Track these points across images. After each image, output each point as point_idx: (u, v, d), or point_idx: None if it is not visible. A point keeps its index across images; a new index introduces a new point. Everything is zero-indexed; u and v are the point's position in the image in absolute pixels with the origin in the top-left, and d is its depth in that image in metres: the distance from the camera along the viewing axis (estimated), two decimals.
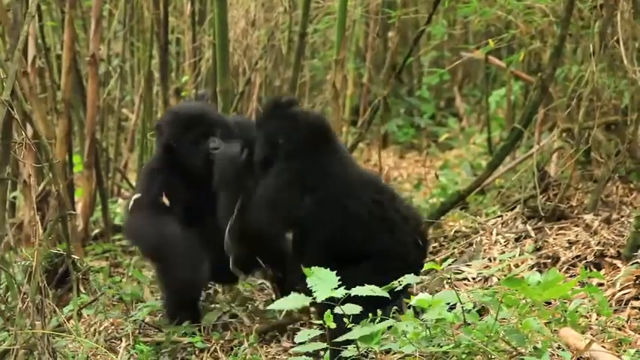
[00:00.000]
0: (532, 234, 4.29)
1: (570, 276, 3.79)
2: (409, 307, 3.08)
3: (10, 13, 4.09)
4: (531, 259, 3.99)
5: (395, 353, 3.05)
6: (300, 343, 2.92)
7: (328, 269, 2.99)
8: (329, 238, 3.43)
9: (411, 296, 3.01)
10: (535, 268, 3.88)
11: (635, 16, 4.32)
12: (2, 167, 3.61)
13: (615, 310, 3.42)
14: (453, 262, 4.11)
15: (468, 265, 4.10)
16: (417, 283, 3.91)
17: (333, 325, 2.86)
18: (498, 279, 3.79)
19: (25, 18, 3.68)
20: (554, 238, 4.17)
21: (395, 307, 3.11)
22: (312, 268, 2.94)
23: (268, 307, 3.19)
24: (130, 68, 7.13)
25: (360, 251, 3.42)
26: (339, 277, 2.92)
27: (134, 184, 6.07)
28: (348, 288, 2.93)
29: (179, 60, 6.75)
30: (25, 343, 3.22)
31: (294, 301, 2.90)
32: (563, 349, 2.98)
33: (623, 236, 4.04)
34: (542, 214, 4.34)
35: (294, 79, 5.21)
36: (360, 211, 3.44)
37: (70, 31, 4.93)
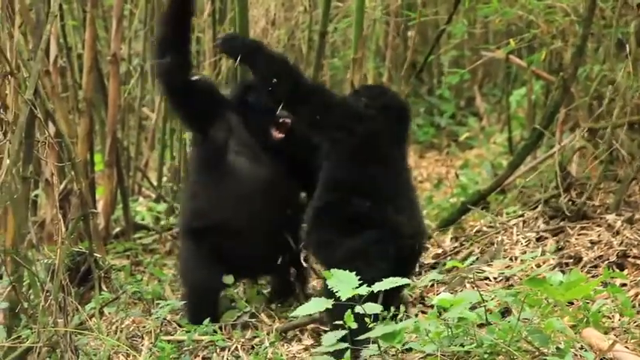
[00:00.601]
0: (554, 234, 4.27)
1: (593, 276, 3.77)
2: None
3: (33, 13, 4.10)
4: (553, 259, 3.98)
5: (417, 352, 3.05)
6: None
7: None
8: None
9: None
10: (557, 269, 3.86)
11: None
12: (25, 166, 3.64)
13: (638, 311, 3.40)
14: (474, 261, 4.10)
15: (489, 264, 4.09)
16: (438, 282, 3.92)
17: (354, 326, 2.86)
18: (520, 279, 3.77)
19: (47, 17, 3.70)
20: (576, 238, 4.15)
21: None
22: (332, 270, 2.96)
23: (291, 315, 3.20)
24: (151, 67, 7.15)
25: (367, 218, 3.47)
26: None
27: (155, 182, 6.10)
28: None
29: (199, 59, 6.76)
30: (48, 341, 3.25)
31: (316, 305, 2.90)
32: (586, 350, 2.97)
33: None
34: (567, 214, 4.32)
35: (315, 78, 5.20)
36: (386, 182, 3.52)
37: (91, 30, 4.94)
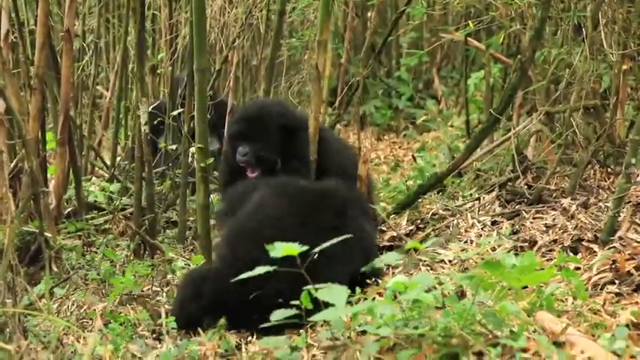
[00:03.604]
0: (509, 217, 4.27)
1: (547, 260, 3.79)
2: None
3: None
4: (508, 242, 3.98)
5: (371, 335, 3.02)
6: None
7: None
8: None
9: None
10: (512, 252, 3.86)
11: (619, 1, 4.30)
12: None
13: (591, 295, 3.41)
14: (433, 243, 4.08)
15: (445, 247, 4.08)
16: (394, 266, 3.90)
17: (310, 306, 2.83)
18: (475, 262, 3.77)
19: None
20: (532, 222, 4.16)
21: None
22: None
23: None
24: (105, 44, 7.04)
25: None
26: None
27: (108, 162, 6.02)
28: None
29: (155, 37, 6.67)
30: None
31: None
32: (539, 333, 2.97)
33: (601, 220, 4.03)
34: (527, 197, 4.32)
35: (272, 58, 5.16)
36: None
37: (44, 5, 4.84)
